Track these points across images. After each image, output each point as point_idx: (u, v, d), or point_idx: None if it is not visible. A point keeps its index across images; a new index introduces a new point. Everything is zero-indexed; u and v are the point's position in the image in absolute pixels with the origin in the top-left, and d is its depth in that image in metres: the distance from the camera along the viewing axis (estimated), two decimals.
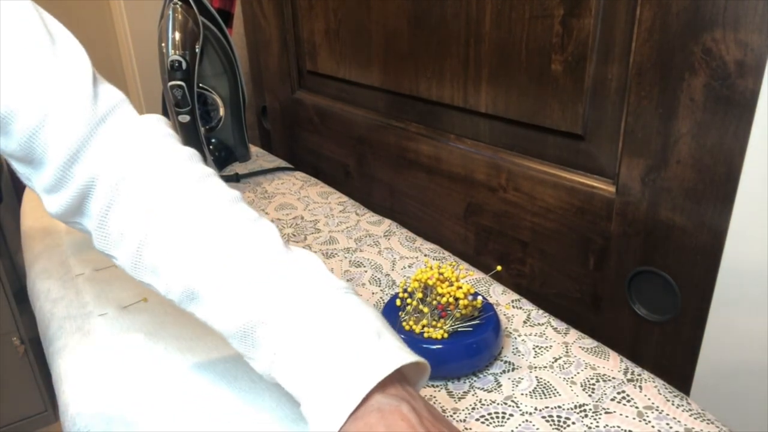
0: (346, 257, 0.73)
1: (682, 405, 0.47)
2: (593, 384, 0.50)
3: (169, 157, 0.45)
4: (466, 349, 0.51)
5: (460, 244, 0.86)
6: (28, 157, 0.43)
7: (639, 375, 0.51)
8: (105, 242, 0.45)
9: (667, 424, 0.45)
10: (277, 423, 0.46)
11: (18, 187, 1.57)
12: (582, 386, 0.50)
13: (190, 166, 0.45)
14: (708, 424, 0.45)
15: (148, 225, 0.42)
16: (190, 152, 0.46)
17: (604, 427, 0.46)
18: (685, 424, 0.45)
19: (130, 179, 0.43)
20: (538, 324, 0.59)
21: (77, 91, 0.44)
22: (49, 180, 0.43)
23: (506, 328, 0.58)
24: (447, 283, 0.53)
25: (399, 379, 0.37)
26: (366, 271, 0.70)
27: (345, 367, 0.35)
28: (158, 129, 0.47)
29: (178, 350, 0.55)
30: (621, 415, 0.47)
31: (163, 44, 0.93)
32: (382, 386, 0.35)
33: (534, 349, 0.55)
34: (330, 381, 0.35)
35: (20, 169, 0.45)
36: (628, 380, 0.50)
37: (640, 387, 0.49)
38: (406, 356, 0.36)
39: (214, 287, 0.40)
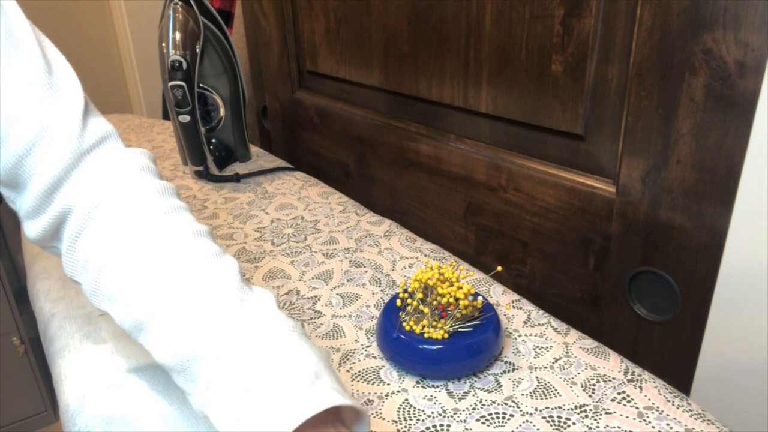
0: (346, 257, 0.73)
1: (683, 405, 0.47)
2: (593, 384, 0.50)
3: (141, 189, 0.45)
4: (466, 350, 0.51)
5: (461, 244, 0.86)
6: (14, 181, 0.44)
7: (639, 375, 0.51)
8: (72, 268, 0.45)
9: (668, 424, 0.45)
10: None
11: None
12: (582, 387, 0.50)
13: (159, 200, 0.45)
14: (708, 424, 0.45)
15: (109, 253, 0.43)
16: (165, 186, 0.47)
17: (605, 427, 0.46)
18: (686, 425, 0.45)
19: (101, 208, 0.44)
20: (539, 324, 0.59)
21: (67, 122, 0.44)
22: (30, 205, 0.44)
23: (506, 328, 0.58)
24: (447, 283, 0.53)
25: (333, 420, 0.36)
26: (366, 271, 0.70)
27: (275, 405, 0.35)
28: (138, 162, 0.47)
29: None
30: (621, 415, 0.47)
31: (163, 44, 0.93)
32: (313, 425, 0.34)
33: (534, 349, 0.55)
34: (258, 418, 0.34)
35: (5, 192, 0.46)
36: (629, 381, 0.50)
37: (641, 387, 0.49)
38: (341, 398, 0.36)
39: (160, 319, 0.40)
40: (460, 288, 0.52)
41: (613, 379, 0.50)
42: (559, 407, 0.48)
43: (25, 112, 0.43)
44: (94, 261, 0.43)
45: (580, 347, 0.55)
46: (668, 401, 0.47)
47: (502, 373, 0.52)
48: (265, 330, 0.39)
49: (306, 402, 0.35)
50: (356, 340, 0.57)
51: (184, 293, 0.40)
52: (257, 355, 0.37)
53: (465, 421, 0.47)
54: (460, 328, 0.52)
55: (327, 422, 0.36)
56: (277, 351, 0.38)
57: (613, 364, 0.52)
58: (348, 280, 0.68)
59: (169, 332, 0.40)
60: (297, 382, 0.36)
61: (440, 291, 0.52)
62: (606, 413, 0.47)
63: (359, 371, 0.53)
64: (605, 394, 0.49)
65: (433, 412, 0.48)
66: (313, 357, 0.38)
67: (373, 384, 0.51)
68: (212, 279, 0.41)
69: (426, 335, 0.52)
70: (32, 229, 0.45)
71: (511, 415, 0.47)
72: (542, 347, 0.55)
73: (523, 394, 0.49)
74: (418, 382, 0.51)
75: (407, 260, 0.72)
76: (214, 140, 1.06)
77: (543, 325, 0.59)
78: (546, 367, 0.53)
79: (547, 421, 0.46)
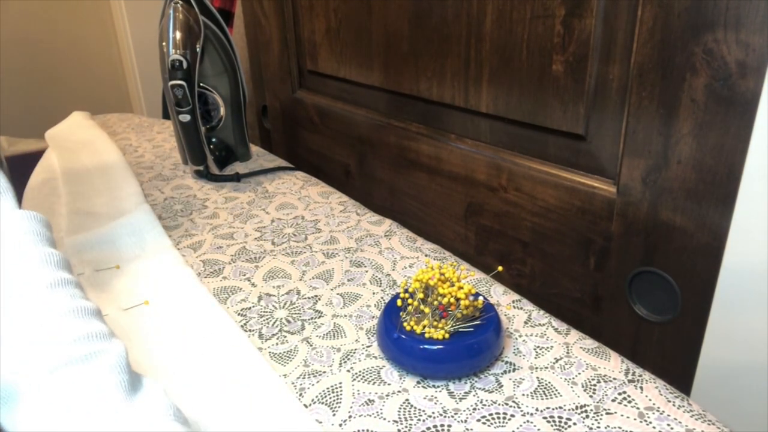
0: (346, 257, 0.73)
1: (683, 406, 0.47)
2: (594, 385, 0.50)
3: (22, 258, 0.42)
4: (467, 350, 0.51)
5: (461, 244, 0.86)
6: None
7: (640, 376, 0.51)
8: None
9: (668, 425, 0.45)
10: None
11: (18, 188, 1.57)
12: (583, 387, 0.50)
13: (41, 271, 0.42)
14: (709, 425, 0.45)
15: None
16: (52, 255, 0.44)
17: (605, 427, 0.46)
18: (686, 425, 0.45)
19: None
20: (539, 324, 0.59)
21: None
22: None
23: (507, 328, 0.58)
24: (448, 283, 0.53)
25: None
26: (367, 271, 0.70)
27: None
28: (21, 227, 0.44)
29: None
30: (622, 415, 0.47)
31: (163, 43, 0.93)
32: None
33: (535, 349, 0.55)
34: None
35: None
36: (629, 381, 0.50)
37: (641, 388, 0.49)
38: None
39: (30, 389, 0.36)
40: (460, 288, 0.52)
41: (614, 379, 0.50)
42: (560, 407, 0.48)
43: None
44: None
45: (581, 347, 0.55)
46: (669, 401, 0.47)
47: (502, 374, 0.52)
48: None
49: None
50: (357, 340, 0.57)
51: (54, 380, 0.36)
52: None
53: (466, 421, 0.47)
54: (460, 328, 0.52)
55: None
56: None
57: (614, 364, 0.52)
58: (348, 280, 0.68)
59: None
60: None
61: (441, 291, 0.52)
62: (607, 413, 0.47)
63: (360, 371, 0.53)
64: (606, 395, 0.49)
65: (433, 412, 0.48)
66: None
67: (373, 384, 0.51)
68: (85, 375, 0.37)
69: (427, 335, 0.52)
70: None
71: (512, 416, 0.47)
72: (543, 347, 0.55)
73: (523, 395, 0.49)
74: (418, 382, 0.51)
75: (408, 260, 0.72)
76: (214, 140, 1.05)
77: (543, 325, 0.59)
78: (547, 368, 0.53)
79: (548, 422, 0.46)
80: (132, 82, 2.23)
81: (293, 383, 0.52)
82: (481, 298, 0.53)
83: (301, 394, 0.50)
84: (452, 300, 0.52)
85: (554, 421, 0.46)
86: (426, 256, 0.73)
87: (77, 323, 0.40)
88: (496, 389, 0.50)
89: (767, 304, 0.52)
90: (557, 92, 0.65)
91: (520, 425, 0.46)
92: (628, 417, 0.46)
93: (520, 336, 0.57)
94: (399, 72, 0.87)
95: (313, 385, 0.51)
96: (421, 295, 0.53)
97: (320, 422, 0.47)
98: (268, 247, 0.76)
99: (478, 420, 0.47)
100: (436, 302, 0.53)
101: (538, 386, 0.50)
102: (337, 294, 0.65)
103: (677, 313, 0.60)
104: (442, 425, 0.46)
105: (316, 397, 0.50)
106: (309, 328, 0.59)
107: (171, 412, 0.37)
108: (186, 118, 0.94)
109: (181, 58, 0.91)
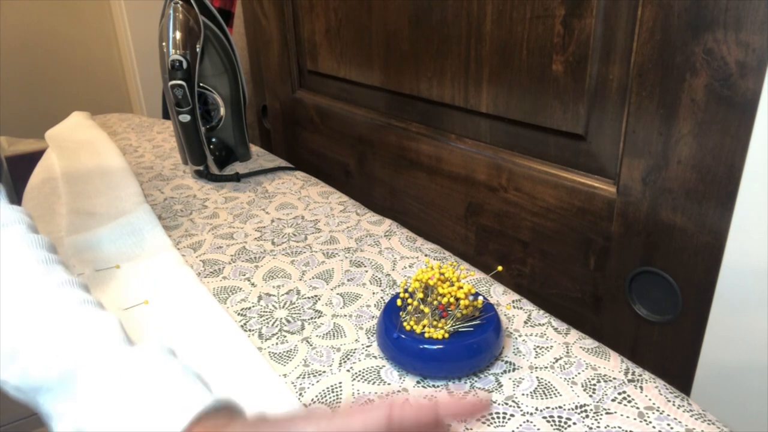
0: (346, 257, 0.73)
1: (683, 405, 0.47)
2: (594, 384, 0.50)
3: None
4: (466, 350, 0.51)
5: (461, 244, 0.86)
6: None
7: (640, 375, 0.51)
8: None
9: (668, 424, 0.45)
10: None
11: (18, 187, 1.57)
12: (583, 387, 0.50)
13: (30, 251, 0.45)
14: (709, 424, 0.45)
15: None
16: (39, 238, 0.47)
17: (605, 427, 0.46)
18: (686, 425, 0.45)
19: None
20: (539, 324, 0.59)
21: None
22: None
23: (507, 328, 0.58)
24: (448, 283, 0.53)
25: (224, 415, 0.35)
26: (367, 271, 0.70)
27: (162, 407, 0.34)
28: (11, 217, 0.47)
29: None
30: (622, 415, 0.47)
31: (163, 43, 0.93)
32: (202, 423, 0.33)
33: (535, 349, 0.55)
34: (147, 421, 0.33)
35: None
36: (629, 381, 0.50)
37: (641, 387, 0.49)
38: (225, 396, 0.35)
39: (35, 341, 0.39)
40: (460, 288, 0.52)
41: (614, 379, 0.50)
42: (560, 407, 0.48)
43: None
44: None
45: (581, 347, 0.55)
46: (669, 401, 0.47)
47: (502, 373, 0.52)
48: (145, 349, 0.38)
49: (194, 400, 0.34)
50: (357, 340, 0.57)
51: (56, 321, 0.40)
52: (137, 365, 0.36)
53: (465, 420, 0.47)
54: (460, 327, 0.52)
55: (217, 417, 0.35)
56: (156, 364, 0.37)
57: (614, 364, 0.52)
58: (348, 280, 0.68)
59: (47, 351, 0.38)
60: (183, 384, 0.35)
61: (441, 291, 0.52)
62: (606, 413, 0.47)
63: (360, 371, 0.53)
64: (606, 394, 0.49)
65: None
66: (189, 366, 0.37)
67: (373, 384, 0.51)
68: (89, 321, 0.40)
69: (426, 335, 0.52)
70: None
71: (512, 415, 0.47)
72: (543, 347, 0.55)
73: (523, 394, 0.49)
74: (418, 382, 0.51)
75: (408, 260, 0.72)
76: (214, 140, 1.06)
77: (543, 325, 0.59)
78: (546, 367, 0.53)
79: (548, 421, 0.46)
80: (132, 82, 2.23)
81: (293, 383, 0.52)
82: (480, 298, 0.53)
83: (300, 394, 0.50)
84: (452, 300, 0.52)
85: (554, 421, 0.46)
86: (426, 256, 0.73)
87: (69, 291, 0.42)
88: (496, 389, 0.50)
89: (767, 304, 0.52)
90: (557, 92, 0.65)
91: (520, 425, 0.46)
92: (627, 417, 0.46)
93: (520, 336, 0.57)
94: (399, 72, 0.87)
95: (312, 384, 0.51)
96: (420, 295, 0.53)
97: None
98: (268, 247, 0.76)
99: (478, 419, 0.47)
100: (435, 302, 0.53)
101: (538, 386, 0.50)
102: (337, 294, 0.65)
103: (677, 313, 0.60)
104: None
105: (316, 396, 0.50)
106: (309, 328, 0.59)
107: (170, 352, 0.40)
108: (186, 118, 0.94)
109: (181, 58, 0.91)
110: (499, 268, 0.61)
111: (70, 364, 0.37)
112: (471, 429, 0.46)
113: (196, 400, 0.34)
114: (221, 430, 0.33)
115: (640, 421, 0.46)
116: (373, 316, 0.61)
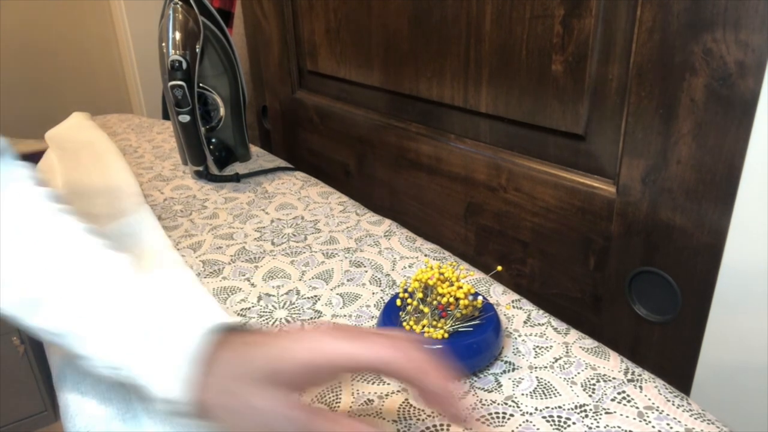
0: (346, 257, 0.73)
1: (683, 405, 0.47)
2: (594, 384, 0.50)
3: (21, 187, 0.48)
4: (466, 349, 0.51)
5: (461, 244, 0.86)
6: None
7: (639, 375, 0.51)
8: None
9: (668, 424, 0.45)
10: None
11: None
12: (582, 386, 0.50)
13: (43, 199, 0.48)
14: (708, 424, 0.45)
15: None
16: (49, 191, 0.49)
17: (605, 427, 0.46)
18: (686, 425, 0.45)
19: None
20: (539, 324, 0.59)
21: None
22: None
23: (506, 328, 0.58)
24: (447, 283, 0.53)
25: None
26: (366, 271, 0.70)
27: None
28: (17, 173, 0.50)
29: None
30: (621, 415, 0.47)
31: (163, 44, 0.93)
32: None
33: (534, 349, 0.55)
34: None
35: None
36: (629, 380, 0.50)
37: (641, 387, 0.49)
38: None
39: (53, 291, 0.42)
40: (460, 288, 0.52)
41: (613, 378, 0.50)
42: (559, 407, 0.48)
43: None
44: None
45: (580, 347, 0.55)
46: (668, 401, 0.47)
47: (502, 373, 0.52)
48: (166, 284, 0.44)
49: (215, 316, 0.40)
50: None
51: (80, 268, 0.43)
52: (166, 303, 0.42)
53: (465, 420, 0.47)
54: (460, 327, 0.52)
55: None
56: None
57: (613, 363, 0.52)
58: (348, 280, 0.68)
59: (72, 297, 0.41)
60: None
61: (440, 291, 0.52)
62: (606, 413, 0.47)
63: None
64: (605, 394, 0.49)
65: (433, 412, 0.48)
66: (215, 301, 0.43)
67: (373, 383, 0.51)
68: (107, 259, 0.44)
69: (426, 335, 0.52)
70: None
71: (511, 415, 0.47)
72: (542, 347, 0.55)
73: (523, 394, 0.49)
74: None
75: (407, 260, 0.72)
76: (214, 140, 1.06)
77: (543, 325, 0.59)
78: (546, 367, 0.53)
79: (547, 421, 0.46)
80: (132, 83, 2.23)
81: None
82: (480, 298, 0.53)
83: (300, 394, 0.50)
84: (451, 300, 0.52)
85: (553, 421, 0.46)
86: (425, 256, 0.73)
87: (92, 238, 0.46)
88: (496, 389, 0.50)
89: (767, 304, 0.52)
90: (557, 92, 0.65)
91: (520, 425, 0.46)
92: (627, 416, 0.46)
93: (520, 336, 0.57)
94: (399, 72, 0.87)
95: None
96: (420, 295, 0.53)
97: None
98: (268, 247, 0.76)
99: (478, 419, 0.47)
100: (435, 302, 0.53)
101: (538, 386, 0.50)
102: (337, 294, 0.65)
103: (677, 313, 0.60)
104: (441, 425, 0.46)
105: (316, 396, 0.50)
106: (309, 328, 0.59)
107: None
108: (186, 118, 0.94)
109: (181, 59, 0.91)
110: (499, 268, 0.61)
111: (95, 300, 0.41)
112: (471, 429, 0.46)
113: (218, 316, 0.40)
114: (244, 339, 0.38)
115: (640, 421, 0.46)
116: (372, 316, 0.61)
